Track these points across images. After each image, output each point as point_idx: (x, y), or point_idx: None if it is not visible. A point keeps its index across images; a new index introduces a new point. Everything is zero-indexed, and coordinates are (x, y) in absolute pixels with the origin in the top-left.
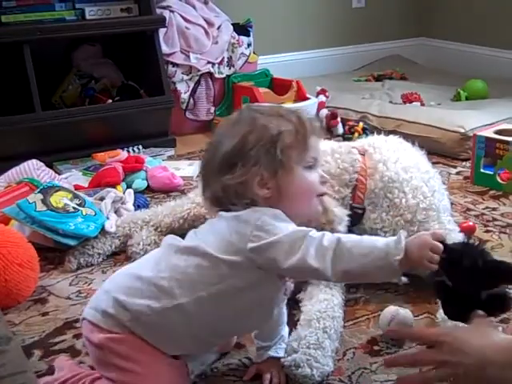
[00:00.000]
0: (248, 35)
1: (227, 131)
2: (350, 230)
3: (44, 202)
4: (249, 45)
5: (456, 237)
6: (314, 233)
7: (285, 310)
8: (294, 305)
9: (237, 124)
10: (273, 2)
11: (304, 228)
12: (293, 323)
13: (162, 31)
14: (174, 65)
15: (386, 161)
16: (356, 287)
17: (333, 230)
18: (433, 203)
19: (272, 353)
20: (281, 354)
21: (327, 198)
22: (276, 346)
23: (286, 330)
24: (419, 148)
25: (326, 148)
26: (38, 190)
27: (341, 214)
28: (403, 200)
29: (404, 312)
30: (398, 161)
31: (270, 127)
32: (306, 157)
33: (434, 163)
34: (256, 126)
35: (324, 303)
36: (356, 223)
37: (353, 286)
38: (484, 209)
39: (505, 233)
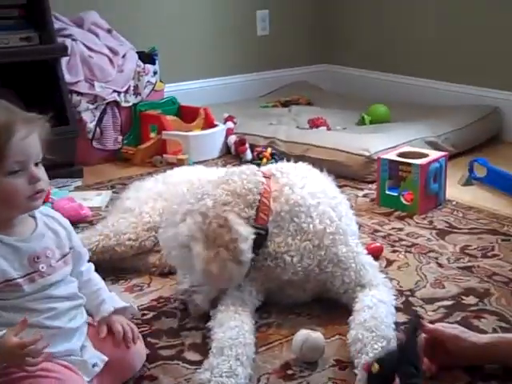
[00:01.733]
0: (154, 63)
1: None
2: (254, 253)
3: None
4: (155, 73)
5: (363, 259)
6: None
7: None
8: (206, 332)
9: None
10: (178, 31)
11: None
12: (205, 352)
13: (64, 60)
14: (79, 94)
15: (292, 185)
16: (268, 312)
17: (236, 249)
18: (340, 227)
19: (109, 307)
20: (119, 303)
21: (232, 216)
22: (108, 301)
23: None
24: (327, 174)
25: (234, 169)
26: None
27: (245, 232)
28: (310, 225)
29: (315, 335)
30: (306, 186)
31: None
32: (7, 164)
33: (341, 186)
34: None
35: (235, 330)
36: (260, 246)
37: (265, 312)
38: (390, 229)
39: (410, 252)
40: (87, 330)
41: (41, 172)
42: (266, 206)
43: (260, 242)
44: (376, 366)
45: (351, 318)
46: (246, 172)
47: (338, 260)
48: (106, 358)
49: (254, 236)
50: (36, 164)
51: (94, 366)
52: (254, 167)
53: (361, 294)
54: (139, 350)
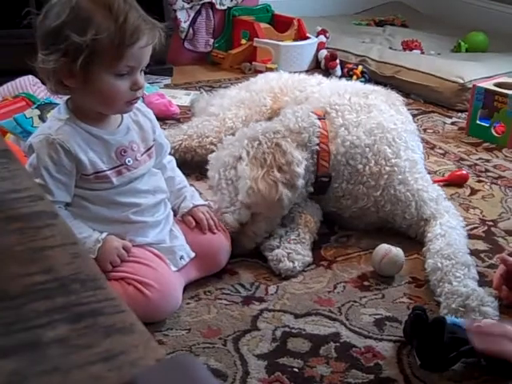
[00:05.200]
0: None
1: (58, 4)
2: (316, 197)
3: (41, 117)
4: None
5: (424, 195)
6: None
7: (174, 174)
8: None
9: (67, 3)
10: None
11: None
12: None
13: None
14: None
15: (347, 125)
16: (345, 228)
17: (292, 171)
18: (397, 165)
19: (188, 203)
20: (198, 201)
21: (287, 141)
22: (188, 198)
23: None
24: (398, 98)
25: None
26: (35, 105)
27: (299, 156)
28: (366, 167)
29: (396, 251)
30: (361, 124)
31: (91, 24)
32: (119, 65)
33: (429, 112)
34: (79, 15)
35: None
36: (324, 191)
37: (343, 228)
38: (477, 159)
39: (496, 184)
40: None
41: (143, 80)
42: (325, 152)
43: (323, 187)
44: None
45: (425, 248)
46: (299, 111)
47: (396, 199)
48: (193, 254)
49: (306, 162)
50: (141, 70)
51: (181, 258)
52: (306, 107)
53: (428, 226)
54: (223, 241)
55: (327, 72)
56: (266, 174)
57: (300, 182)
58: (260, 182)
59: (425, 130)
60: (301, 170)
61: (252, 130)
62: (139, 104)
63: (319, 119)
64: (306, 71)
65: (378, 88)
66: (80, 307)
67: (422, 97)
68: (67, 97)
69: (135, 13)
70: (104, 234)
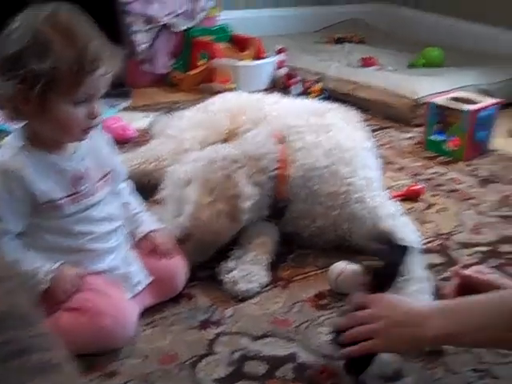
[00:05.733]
0: None
1: (19, 29)
2: (275, 221)
3: None
4: None
5: (380, 211)
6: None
7: (129, 199)
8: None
9: (27, 30)
10: None
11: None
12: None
13: None
14: (133, 14)
15: (306, 148)
16: (304, 244)
17: (237, 206)
18: (353, 184)
19: (144, 229)
20: (154, 225)
21: (240, 174)
22: (144, 223)
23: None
24: (358, 115)
25: (247, 134)
26: None
27: (249, 191)
28: (323, 187)
29: (352, 268)
30: (319, 145)
31: (50, 51)
32: (77, 93)
33: (387, 128)
34: (38, 43)
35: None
36: (282, 215)
37: (302, 243)
38: (433, 173)
39: (451, 197)
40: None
41: (100, 108)
42: (284, 176)
43: (281, 211)
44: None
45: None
46: (258, 136)
47: (353, 217)
48: (150, 279)
49: (257, 198)
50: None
51: (136, 284)
52: (264, 131)
53: None
54: (180, 265)
55: (286, 90)
56: (211, 203)
57: (242, 217)
58: (204, 209)
59: (382, 145)
60: (247, 205)
61: (212, 153)
62: (96, 129)
63: (278, 143)
64: (266, 90)
65: (336, 106)
66: (9, 345)
67: (380, 113)
68: (22, 123)
69: (96, 40)
70: (57, 264)
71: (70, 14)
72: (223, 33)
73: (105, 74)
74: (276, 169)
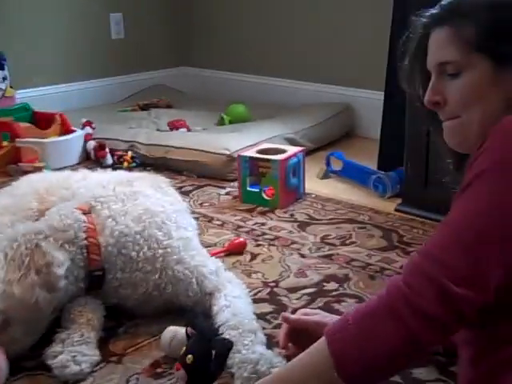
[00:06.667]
0: (2, 69)
1: None
2: (96, 291)
3: None
4: (4, 78)
5: (202, 270)
6: None
7: None
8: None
9: None
10: (28, 35)
11: None
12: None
13: None
14: None
15: (114, 215)
16: (134, 317)
17: (51, 273)
18: (170, 246)
19: None
20: None
21: (49, 242)
22: None
23: None
24: (166, 178)
25: (52, 209)
26: None
27: (61, 256)
28: (140, 253)
29: (184, 331)
30: (128, 212)
31: None
32: None
33: (204, 186)
34: None
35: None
36: (98, 287)
37: (132, 313)
38: (253, 224)
39: (273, 245)
40: None
41: None
42: (95, 245)
43: (98, 281)
44: (190, 357)
45: (212, 322)
46: (63, 209)
47: (176, 279)
48: None
49: (69, 263)
50: None
51: None
52: (69, 204)
53: (214, 299)
54: None
55: (98, 162)
56: (22, 277)
57: (61, 284)
58: (15, 285)
59: (201, 204)
60: (61, 271)
61: (13, 230)
62: None
63: (84, 214)
64: (79, 164)
65: (143, 174)
66: None
67: (195, 172)
68: None
69: None
70: None
71: None
72: (24, 111)
73: None
74: (85, 238)
